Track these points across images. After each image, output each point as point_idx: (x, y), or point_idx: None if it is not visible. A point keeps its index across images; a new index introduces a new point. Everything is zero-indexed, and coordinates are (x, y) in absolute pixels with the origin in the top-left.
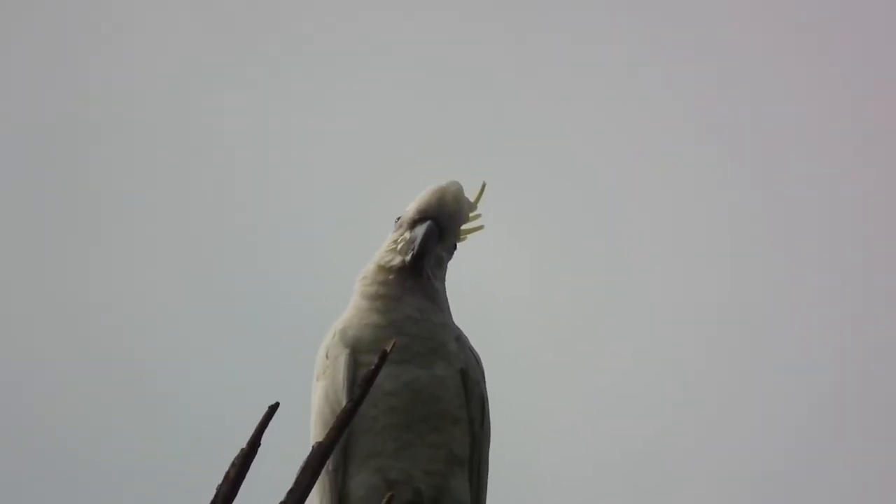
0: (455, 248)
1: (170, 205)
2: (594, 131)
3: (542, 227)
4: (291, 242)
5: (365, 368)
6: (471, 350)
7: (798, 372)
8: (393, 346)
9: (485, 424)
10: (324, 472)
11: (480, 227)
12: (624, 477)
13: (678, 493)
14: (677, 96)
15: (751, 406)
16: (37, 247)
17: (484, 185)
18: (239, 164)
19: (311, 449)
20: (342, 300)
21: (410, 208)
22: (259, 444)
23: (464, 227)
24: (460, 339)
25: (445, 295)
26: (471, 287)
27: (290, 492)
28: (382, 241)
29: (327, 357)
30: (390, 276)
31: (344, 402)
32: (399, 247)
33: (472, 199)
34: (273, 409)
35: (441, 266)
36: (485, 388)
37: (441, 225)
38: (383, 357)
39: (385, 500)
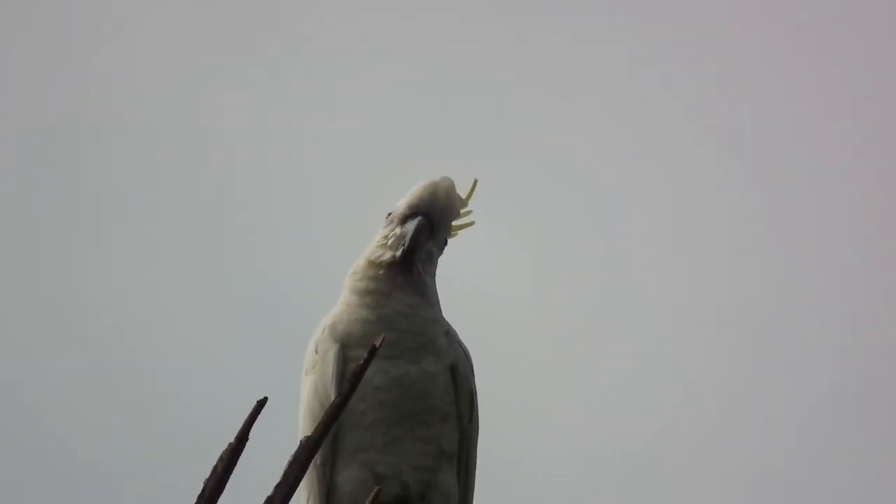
0: (446, 243)
1: (170, 205)
2: (594, 131)
3: (542, 227)
4: (291, 242)
5: (354, 363)
6: (460, 345)
7: (798, 372)
8: (382, 342)
9: (473, 419)
10: (312, 466)
11: (471, 224)
12: (624, 477)
13: (678, 493)
14: (677, 96)
15: (751, 406)
16: (37, 247)
17: (475, 182)
18: (239, 164)
19: (299, 443)
20: None
21: (401, 204)
22: (247, 439)
23: (455, 223)
24: (450, 333)
25: (436, 290)
26: (471, 287)
27: (278, 486)
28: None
29: (316, 352)
30: (380, 272)
31: (333, 397)
32: (389, 242)
33: (463, 195)
34: (261, 403)
35: (431, 261)
36: (474, 383)
37: (432, 220)
38: (372, 352)
39: (372, 494)
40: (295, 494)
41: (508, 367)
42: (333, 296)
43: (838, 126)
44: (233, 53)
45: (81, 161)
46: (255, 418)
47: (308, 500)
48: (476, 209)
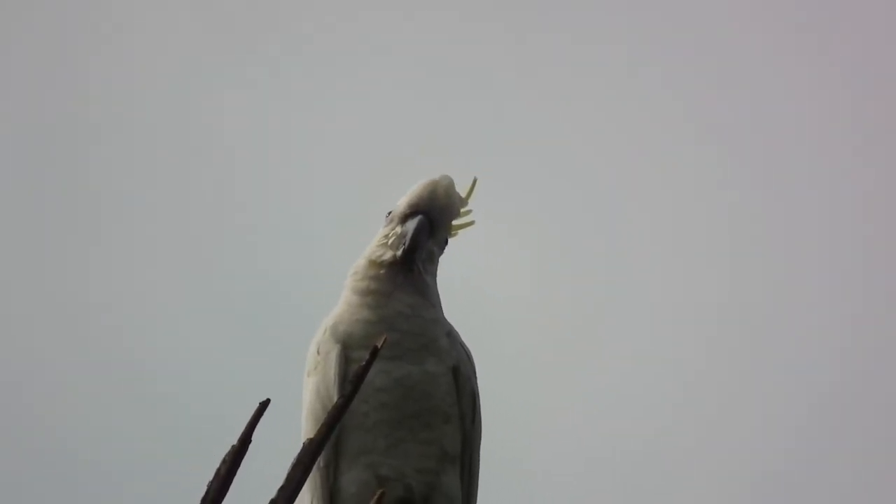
0: (446, 242)
1: (170, 205)
2: (594, 131)
3: (542, 227)
4: (291, 242)
5: (356, 364)
6: (462, 346)
7: (798, 372)
8: (384, 342)
9: (476, 421)
10: (315, 468)
11: (472, 223)
12: (624, 477)
13: (678, 493)
14: (677, 96)
15: (751, 406)
16: (37, 247)
17: (475, 181)
18: (239, 164)
19: (302, 445)
20: None
21: (401, 202)
22: (250, 441)
23: (455, 222)
24: (451, 334)
25: (437, 290)
26: (471, 287)
27: (282, 488)
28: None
29: (318, 353)
30: (381, 272)
31: (335, 398)
32: (390, 241)
33: (463, 194)
34: (264, 405)
35: (432, 261)
36: (476, 384)
37: (432, 219)
38: (374, 353)
39: (376, 496)
40: (298, 497)
41: (508, 367)
42: (333, 296)
43: (838, 126)
44: (233, 53)
45: (81, 161)
46: (258, 420)
47: (312, 503)
48: (476, 209)
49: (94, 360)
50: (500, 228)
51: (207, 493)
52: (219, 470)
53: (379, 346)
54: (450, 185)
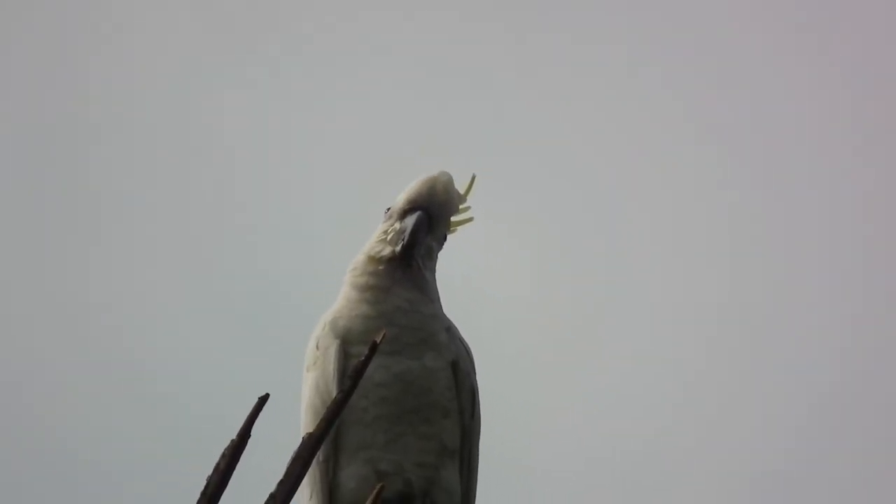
0: (445, 239)
1: (170, 205)
2: (594, 131)
3: (542, 227)
4: (291, 242)
5: (355, 359)
6: (461, 341)
7: (798, 372)
8: (383, 337)
9: (475, 415)
10: (314, 463)
11: (470, 220)
12: (624, 477)
13: (678, 493)
14: (677, 96)
15: (751, 406)
16: (37, 247)
17: (473, 178)
18: (239, 164)
19: (301, 440)
20: None
21: (400, 198)
22: (249, 436)
23: (454, 218)
24: (450, 329)
25: (436, 285)
26: (471, 287)
27: (281, 483)
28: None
29: (317, 348)
30: (380, 267)
31: (334, 393)
32: (389, 237)
33: (462, 191)
34: (263, 400)
35: (431, 256)
36: (475, 379)
37: (431, 215)
38: (373, 348)
39: (375, 491)
40: (297, 492)
41: (508, 366)
42: (333, 296)
43: (838, 126)
44: (233, 53)
45: (81, 161)
46: (257, 415)
47: (311, 498)
48: (476, 209)
49: (94, 360)
50: (500, 228)
51: (207, 487)
52: (218, 464)
53: (378, 341)
54: (449, 182)
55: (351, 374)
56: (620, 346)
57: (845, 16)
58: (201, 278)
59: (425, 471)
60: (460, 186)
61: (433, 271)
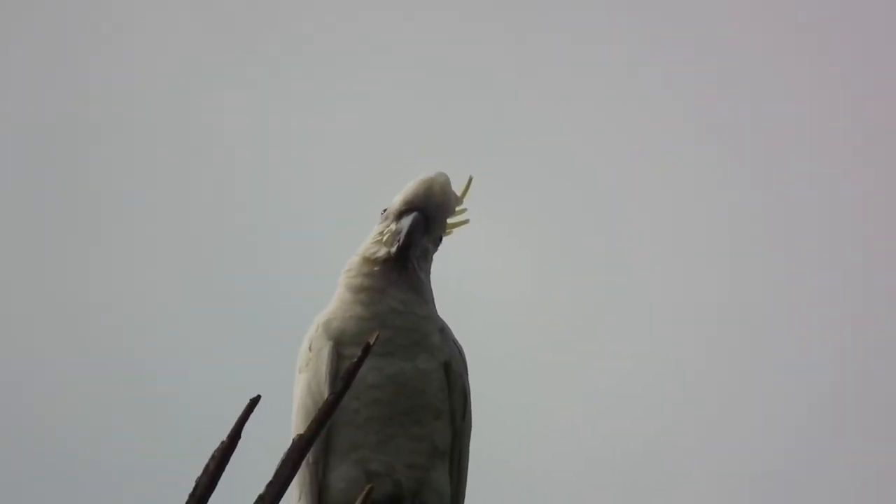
0: (441, 240)
1: (170, 205)
2: (594, 131)
3: (542, 227)
4: (291, 242)
5: (348, 361)
6: (454, 342)
7: (798, 372)
8: (376, 339)
9: (466, 417)
10: (304, 464)
11: (466, 221)
12: (624, 477)
13: (678, 493)
14: (677, 96)
15: (751, 406)
16: (37, 247)
17: (470, 180)
18: (239, 164)
19: (291, 441)
20: None
21: (397, 199)
22: (239, 437)
23: (450, 220)
24: (444, 330)
25: (430, 287)
26: (471, 287)
27: (270, 484)
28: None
29: (310, 349)
30: (375, 268)
31: (326, 395)
32: (385, 238)
33: (458, 193)
34: (254, 401)
35: (426, 258)
36: (467, 380)
37: (427, 216)
38: (366, 349)
39: (364, 492)
40: (287, 493)
41: (508, 367)
42: (332, 296)
43: (838, 126)
44: (233, 53)
45: (81, 161)
46: (248, 417)
47: (300, 499)
48: (476, 209)
49: (94, 360)
50: (500, 228)
51: (196, 488)
52: (207, 465)
53: (371, 342)
54: (445, 183)
55: (343, 376)
56: (620, 346)
57: (845, 16)
58: (201, 278)
59: (416, 472)
60: (457, 188)
61: (428, 272)
